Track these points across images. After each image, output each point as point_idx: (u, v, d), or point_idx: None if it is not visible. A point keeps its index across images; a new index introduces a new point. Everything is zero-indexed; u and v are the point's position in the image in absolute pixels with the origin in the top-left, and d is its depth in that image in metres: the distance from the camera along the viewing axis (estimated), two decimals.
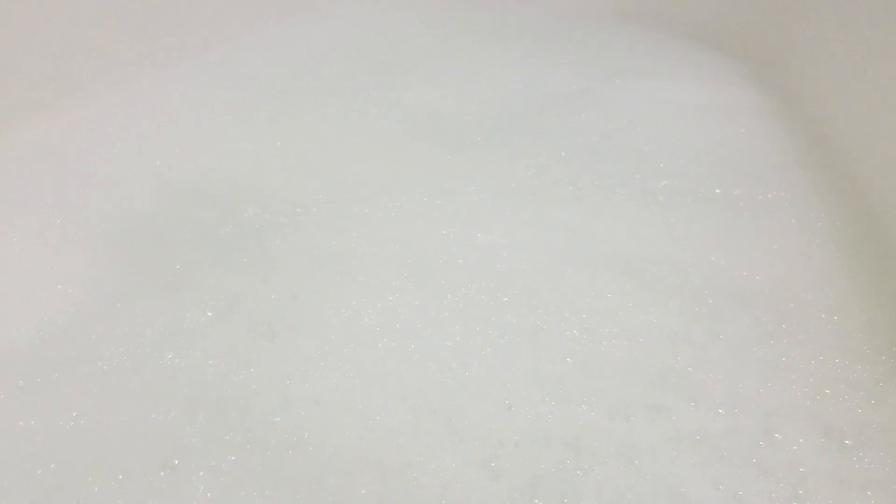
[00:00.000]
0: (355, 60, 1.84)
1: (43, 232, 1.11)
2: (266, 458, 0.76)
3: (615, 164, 1.34)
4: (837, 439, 0.80)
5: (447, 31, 2.07)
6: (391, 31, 2.06)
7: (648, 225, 1.17)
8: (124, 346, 0.90)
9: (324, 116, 1.52)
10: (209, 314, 0.95)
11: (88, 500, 0.71)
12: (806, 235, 1.16)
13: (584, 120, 1.53)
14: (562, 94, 1.66)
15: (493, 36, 2.04)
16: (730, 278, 1.05)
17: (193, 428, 0.79)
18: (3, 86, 1.33)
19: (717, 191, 1.27)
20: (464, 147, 1.40)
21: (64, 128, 1.38)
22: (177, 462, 0.75)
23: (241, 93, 1.61)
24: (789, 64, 1.78)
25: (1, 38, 1.30)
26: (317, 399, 0.83)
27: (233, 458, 0.76)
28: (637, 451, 0.79)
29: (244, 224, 1.14)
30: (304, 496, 0.72)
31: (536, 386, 0.86)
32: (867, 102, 1.38)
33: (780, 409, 0.84)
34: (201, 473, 0.74)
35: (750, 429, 0.81)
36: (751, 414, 0.83)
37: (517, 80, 1.74)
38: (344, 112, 1.54)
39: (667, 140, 1.44)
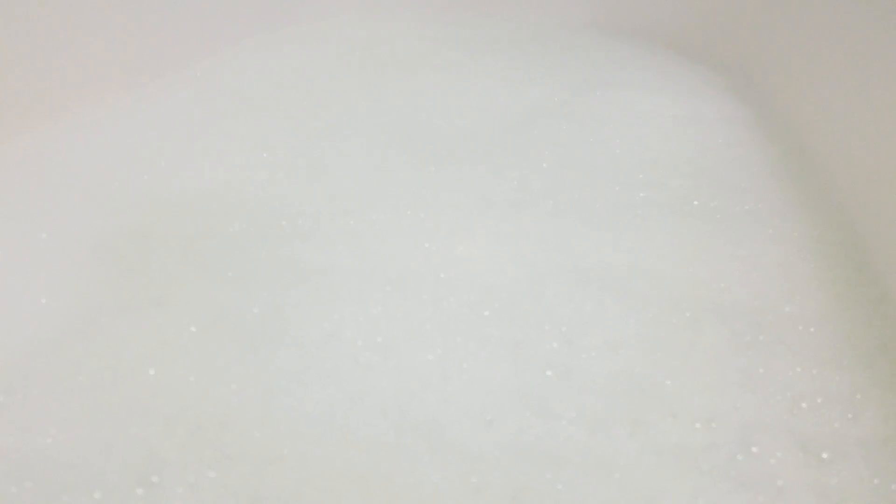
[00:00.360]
0: (339, 73, 1.85)
1: (26, 246, 1.10)
2: (246, 473, 0.76)
3: (595, 176, 1.35)
4: (815, 452, 0.81)
5: (430, 45, 2.08)
6: (374, 44, 2.06)
7: (627, 238, 1.18)
8: (106, 361, 0.90)
9: (308, 129, 1.53)
10: (192, 329, 0.95)
11: None
12: (783, 246, 1.17)
13: (565, 132, 1.54)
14: (543, 106, 1.67)
15: (475, 48, 2.05)
16: (708, 290, 1.07)
17: (173, 444, 0.79)
18: None
19: (695, 202, 1.28)
20: (447, 160, 1.41)
21: (48, 141, 1.37)
22: (155, 479, 0.75)
23: (226, 106, 1.61)
24: (765, 74, 1.81)
25: None
26: (297, 413, 0.83)
27: (212, 474, 0.76)
28: (617, 464, 0.79)
29: (229, 237, 1.14)
30: None
31: (517, 400, 0.87)
32: (843, 113, 1.40)
33: (758, 422, 0.85)
34: (180, 490, 0.74)
35: (728, 442, 0.82)
36: (729, 427, 0.84)
37: (499, 93, 1.75)
38: (328, 125, 1.55)
39: (645, 152, 1.45)
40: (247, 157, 1.38)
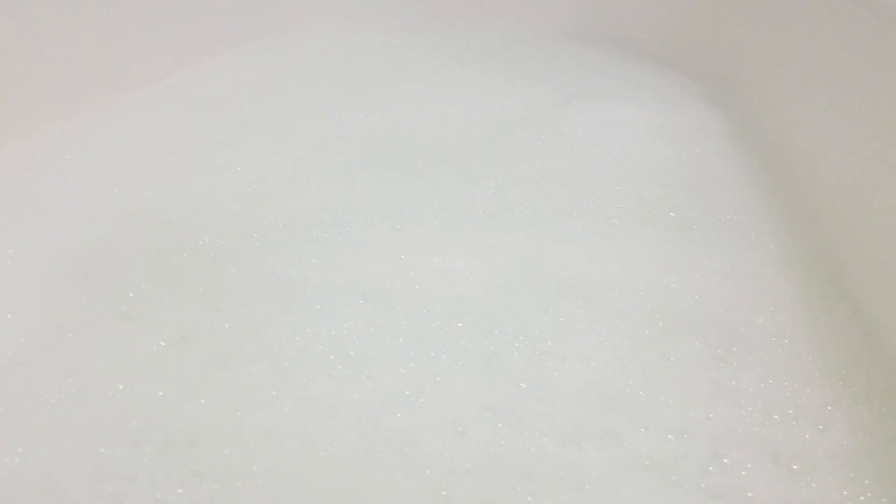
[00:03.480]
0: (314, 85, 1.84)
1: None
2: (214, 490, 0.75)
3: (571, 187, 1.36)
4: (785, 464, 0.82)
5: (407, 55, 2.08)
6: (350, 55, 2.06)
7: (602, 249, 1.18)
8: (73, 378, 0.89)
9: (283, 141, 1.52)
10: (161, 343, 0.95)
11: None
12: (757, 258, 1.18)
13: (542, 143, 1.54)
14: (519, 117, 1.67)
15: (452, 58, 2.05)
16: (681, 302, 1.07)
17: (140, 462, 0.78)
18: None
19: (672, 214, 1.28)
20: (422, 171, 1.41)
21: (16, 154, 1.36)
22: (123, 498, 0.74)
23: (200, 118, 1.61)
24: (743, 85, 1.82)
25: None
26: (267, 429, 0.83)
27: (180, 490, 0.75)
28: (588, 477, 0.79)
29: (200, 252, 1.13)
30: None
31: (490, 412, 0.87)
32: (819, 124, 1.41)
33: (729, 434, 0.85)
34: None
35: (699, 454, 0.82)
36: (700, 439, 0.84)
37: (476, 103, 1.75)
38: (303, 137, 1.54)
39: (622, 163, 1.46)
40: (220, 170, 1.38)
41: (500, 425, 0.85)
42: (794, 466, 0.81)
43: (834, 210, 1.25)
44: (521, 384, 0.91)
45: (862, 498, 0.77)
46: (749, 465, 0.81)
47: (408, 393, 0.89)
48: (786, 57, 1.68)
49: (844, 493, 0.78)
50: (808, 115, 1.48)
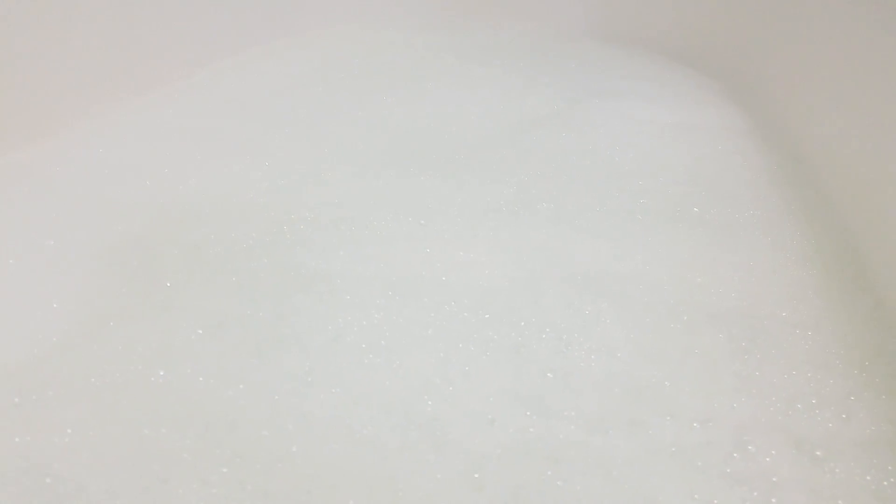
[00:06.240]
0: (337, 82, 1.87)
1: (36, 253, 1.12)
2: (256, 470, 0.78)
3: (594, 183, 1.38)
4: (809, 451, 0.83)
5: (428, 53, 2.10)
6: (373, 52, 2.09)
7: (625, 244, 1.20)
8: (116, 364, 0.92)
9: (308, 138, 1.54)
10: (199, 332, 0.97)
11: None
12: (780, 254, 1.19)
13: (564, 139, 1.56)
14: (541, 115, 1.69)
15: (474, 57, 2.07)
16: (705, 296, 1.08)
17: (183, 443, 0.81)
18: None
19: (695, 210, 1.30)
20: (445, 167, 1.43)
21: (52, 151, 1.39)
22: (168, 475, 0.77)
23: (227, 115, 1.64)
24: (763, 82, 1.82)
25: None
26: (303, 414, 0.85)
27: (224, 470, 0.78)
28: (615, 463, 0.81)
29: (232, 244, 1.16)
30: None
31: (518, 401, 0.89)
32: (840, 121, 1.42)
33: (753, 422, 0.87)
34: (193, 486, 0.76)
35: (724, 441, 0.84)
36: (724, 427, 0.86)
37: (497, 101, 1.77)
38: (327, 133, 1.57)
39: (644, 160, 1.47)
40: (247, 166, 1.40)
41: (528, 413, 0.87)
42: (818, 453, 0.83)
43: (855, 206, 1.26)
44: (548, 374, 0.93)
45: (885, 483, 0.79)
46: (773, 452, 0.83)
47: (438, 381, 0.91)
48: (805, 54, 1.69)
49: (868, 478, 0.80)
50: (827, 112, 1.49)
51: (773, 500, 0.78)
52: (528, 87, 1.87)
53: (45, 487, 0.76)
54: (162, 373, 0.90)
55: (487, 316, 1.03)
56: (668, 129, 1.63)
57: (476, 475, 0.79)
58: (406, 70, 1.97)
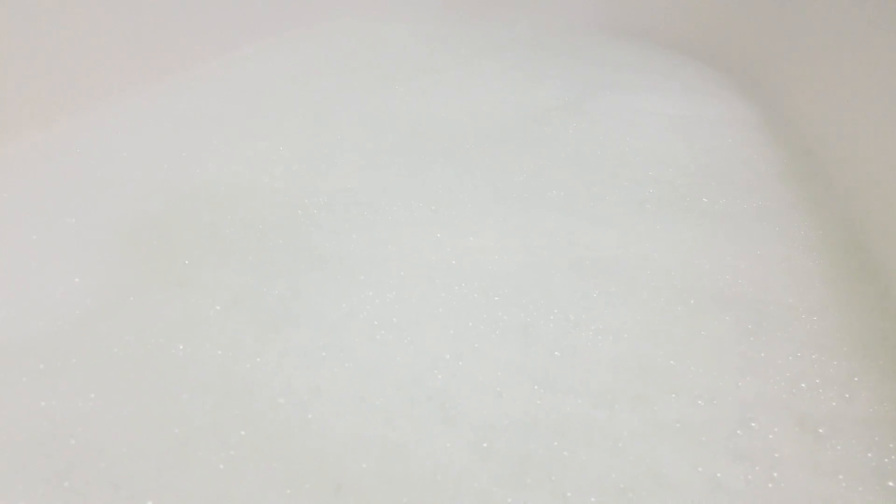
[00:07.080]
0: (349, 73, 1.89)
1: (58, 231, 1.16)
2: (272, 434, 0.80)
3: (603, 172, 1.39)
4: (811, 429, 0.85)
5: (440, 44, 2.13)
6: (385, 43, 2.11)
7: (634, 232, 1.21)
8: (137, 336, 0.94)
9: (320, 126, 1.57)
10: (217, 307, 1.00)
11: (107, 472, 0.76)
12: (788, 243, 1.20)
13: (574, 130, 1.58)
14: (550, 106, 1.71)
15: (483, 49, 2.10)
16: (712, 281, 1.10)
17: (203, 409, 0.83)
18: (13, 93, 1.38)
19: (704, 200, 1.31)
20: (455, 156, 1.45)
21: (74, 133, 1.43)
22: (188, 439, 0.79)
23: (240, 102, 1.67)
24: (772, 76, 1.83)
25: (7, 45, 1.35)
26: (318, 386, 0.87)
27: (242, 432, 0.80)
28: (620, 436, 0.83)
29: (247, 225, 1.19)
30: (309, 469, 0.77)
31: (525, 376, 0.91)
32: (848, 114, 1.43)
33: (757, 400, 0.88)
34: (213, 447, 0.78)
35: (727, 418, 0.86)
36: (729, 405, 0.88)
37: (506, 92, 1.80)
38: (339, 122, 1.59)
39: (654, 150, 1.49)
40: (262, 151, 1.43)
41: (535, 387, 0.89)
42: (820, 430, 0.84)
43: (863, 198, 1.27)
44: (556, 352, 0.95)
45: (886, 460, 0.80)
46: (776, 429, 0.84)
47: (448, 357, 0.93)
48: (814, 47, 1.69)
49: (869, 455, 0.81)
50: (836, 105, 1.50)
51: (775, 475, 0.79)
52: (537, 79, 1.89)
53: (68, 448, 0.79)
54: (181, 346, 0.93)
55: (497, 298, 1.05)
56: (678, 120, 1.64)
57: (484, 444, 0.81)
58: (418, 62, 1.99)
